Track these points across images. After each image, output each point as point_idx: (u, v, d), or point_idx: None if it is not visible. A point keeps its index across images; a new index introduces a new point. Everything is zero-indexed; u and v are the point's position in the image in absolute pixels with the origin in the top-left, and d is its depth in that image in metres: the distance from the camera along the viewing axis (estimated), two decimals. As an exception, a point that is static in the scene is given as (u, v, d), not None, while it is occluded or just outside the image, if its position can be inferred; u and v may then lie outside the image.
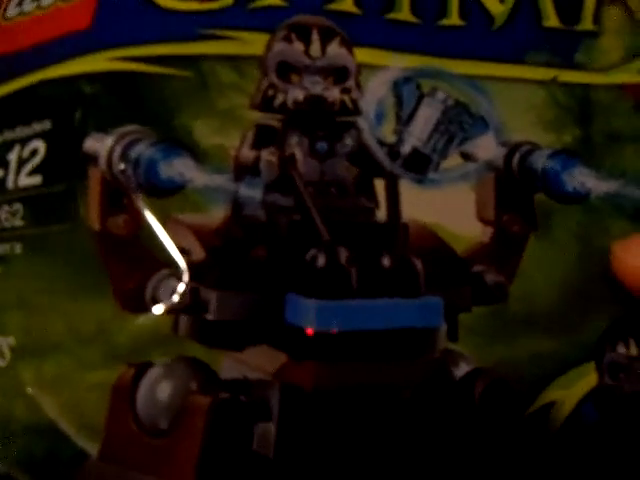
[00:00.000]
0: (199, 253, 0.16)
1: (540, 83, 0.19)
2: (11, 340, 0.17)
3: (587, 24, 0.19)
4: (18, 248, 0.18)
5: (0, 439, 0.17)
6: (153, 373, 0.16)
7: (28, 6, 0.19)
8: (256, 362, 0.16)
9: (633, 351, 0.17)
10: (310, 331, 0.15)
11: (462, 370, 0.17)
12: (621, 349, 0.17)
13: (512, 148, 0.18)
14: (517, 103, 0.19)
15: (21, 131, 0.19)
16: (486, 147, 0.18)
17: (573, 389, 0.17)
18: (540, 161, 0.18)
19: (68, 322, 0.17)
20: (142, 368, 0.16)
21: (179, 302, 0.16)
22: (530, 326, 0.17)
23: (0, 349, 0.17)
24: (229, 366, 0.16)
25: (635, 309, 0.18)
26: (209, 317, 0.16)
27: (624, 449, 0.17)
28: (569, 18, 0.19)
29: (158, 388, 0.16)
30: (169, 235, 0.17)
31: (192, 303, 0.16)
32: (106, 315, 0.16)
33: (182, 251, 0.16)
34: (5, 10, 0.20)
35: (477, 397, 0.16)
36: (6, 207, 0.19)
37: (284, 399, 0.16)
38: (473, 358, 0.17)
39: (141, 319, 0.16)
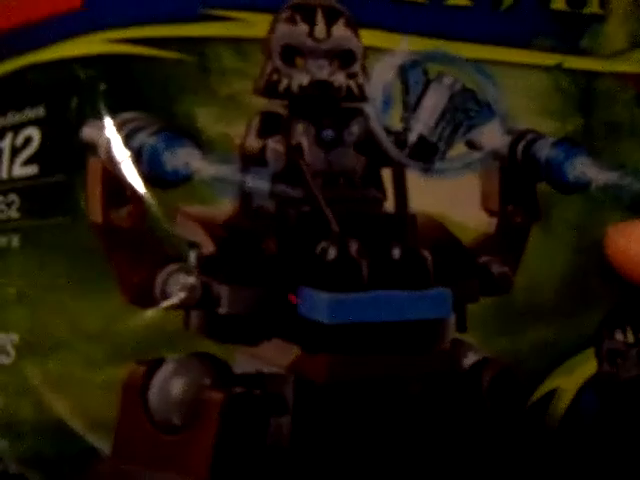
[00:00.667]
0: (209, 246, 0.16)
1: (545, 69, 0.19)
2: (14, 337, 0.17)
3: (594, 7, 0.19)
4: (15, 241, 0.18)
5: (8, 438, 0.17)
6: (165, 369, 0.16)
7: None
8: (269, 356, 0.16)
9: (630, 338, 0.17)
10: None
11: (470, 360, 0.17)
12: (619, 336, 0.17)
13: (517, 137, 0.18)
14: (522, 89, 0.19)
15: (13, 117, 0.18)
16: (491, 135, 0.18)
17: (574, 376, 0.17)
18: (544, 150, 0.18)
19: (72, 319, 0.16)
20: (154, 365, 0.16)
21: (190, 297, 0.16)
22: (532, 316, 0.17)
23: (4, 347, 0.17)
24: (242, 361, 0.16)
25: (631, 297, 0.18)
26: (221, 311, 0.16)
27: (623, 435, 0.17)
28: (576, 1, 0.19)
29: (171, 384, 0.16)
30: (178, 228, 0.16)
31: (203, 298, 0.16)
32: (112, 311, 0.16)
33: (191, 245, 0.16)
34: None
35: (484, 386, 0.17)
36: (1, 197, 0.18)
37: (298, 392, 0.16)
38: (479, 348, 0.17)
39: (150, 314, 0.16)
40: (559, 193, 0.18)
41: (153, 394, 0.16)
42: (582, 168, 0.18)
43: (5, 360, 0.17)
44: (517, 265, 0.18)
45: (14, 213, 0.18)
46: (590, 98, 0.19)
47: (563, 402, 0.17)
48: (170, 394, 0.16)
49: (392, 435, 0.16)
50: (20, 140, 0.18)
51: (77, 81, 0.17)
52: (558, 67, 0.19)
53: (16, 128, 0.18)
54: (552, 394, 0.17)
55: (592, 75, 0.19)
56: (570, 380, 0.17)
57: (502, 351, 0.17)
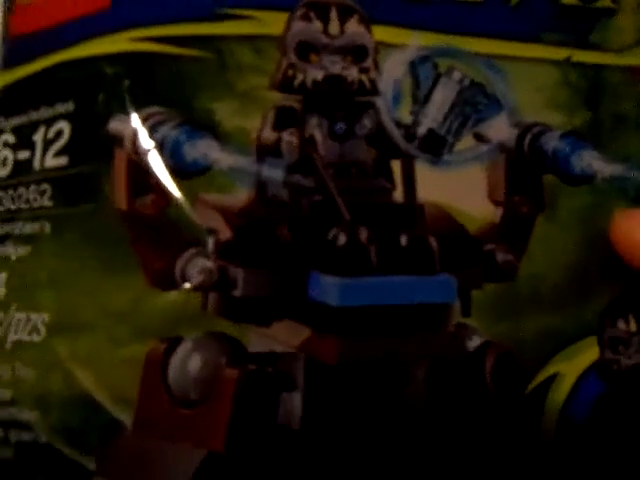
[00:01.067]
0: (226, 233, 0.17)
1: (554, 63, 0.19)
2: (45, 316, 0.18)
3: (605, 1, 0.19)
4: (47, 227, 0.19)
5: (40, 410, 0.18)
6: (184, 347, 0.17)
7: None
8: (282, 336, 0.17)
9: (633, 327, 0.18)
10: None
11: (475, 342, 0.18)
12: (621, 325, 0.18)
13: (524, 129, 0.19)
14: (531, 83, 0.19)
15: (45, 112, 0.19)
16: (499, 128, 0.19)
17: (575, 362, 0.18)
18: (551, 142, 0.19)
19: (99, 299, 0.17)
20: (173, 343, 0.17)
21: (207, 280, 0.17)
22: (535, 304, 0.18)
23: (35, 325, 0.18)
24: (256, 340, 0.17)
25: (634, 286, 0.18)
26: (236, 294, 0.17)
27: (625, 421, 0.18)
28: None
29: (189, 361, 0.17)
30: (197, 215, 0.17)
31: (220, 281, 0.17)
32: (136, 292, 0.17)
33: (210, 231, 0.17)
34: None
35: (487, 369, 0.17)
36: (34, 187, 0.19)
37: (309, 372, 0.17)
38: (482, 333, 0.18)
39: (171, 296, 0.17)
40: (565, 184, 0.19)
41: (172, 370, 0.17)
42: (588, 160, 0.19)
43: (36, 338, 0.18)
44: (522, 253, 0.18)
45: (46, 201, 0.19)
46: (598, 92, 0.20)
47: (564, 386, 0.18)
48: (188, 370, 0.17)
49: (398, 415, 0.17)
50: (52, 133, 0.19)
51: (104, 77, 0.18)
52: (567, 61, 0.19)
53: (48, 122, 0.19)
54: (552, 378, 0.18)
55: (601, 69, 0.19)
56: (571, 365, 0.18)
57: (504, 336, 0.18)
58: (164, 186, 0.17)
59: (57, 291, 0.18)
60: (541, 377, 0.18)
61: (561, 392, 0.18)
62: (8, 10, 0.21)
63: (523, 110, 0.19)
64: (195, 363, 0.17)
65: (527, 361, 0.18)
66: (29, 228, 0.19)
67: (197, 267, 0.17)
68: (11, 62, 0.20)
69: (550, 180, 0.19)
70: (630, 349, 0.18)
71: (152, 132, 0.18)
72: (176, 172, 0.17)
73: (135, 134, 0.18)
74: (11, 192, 0.20)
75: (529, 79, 0.19)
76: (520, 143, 0.19)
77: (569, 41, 0.19)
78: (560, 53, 0.19)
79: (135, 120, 0.18)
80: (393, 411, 0.17)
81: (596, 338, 0.18)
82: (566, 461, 0.18)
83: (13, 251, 0.19)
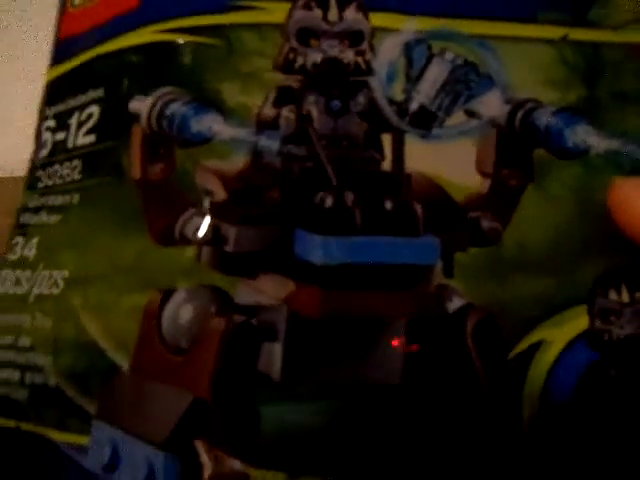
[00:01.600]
0: (221, 194, 0.18)
1: (550, 42, 0.20)
2: (65, 273, 0.20)
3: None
4: (76, 198, 0.21)
5: (52, 355, 0.20)
6: (177, 297, 0.18)
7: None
8: (268, 289, 0.18)
9: (625, 298, 0.17)
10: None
11: (455, 304, 0.18)
12: (613, 295, 0.17)
13: (516, 105, 0.19)
14: (525, 62, 0.20)
15: (80, 99, 0.22)
16: (491, 104, 0.20)
17: (563, 330, 0.18)
18: (544, 118, 0.19)
19: (110, 255, 0.19)
20: (168, 293, 0.18)
21: (202, 236, 0.18)
22: (521, 268, 0.18)
23: (55, 280, 0.20)
24: (243, 292, 0.18)
25: (628, 258, 0.18)
26: (228, 249, 0.18)
27: (615, 390, 0.17)
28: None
29: (181, 311, 0.18)
30: (197, 179, 0.19)
31: (213, 237, 0.18)
32: (142, 248, 0.19)
33: (206, 192, 0.19)
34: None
35: (468, 331, 0.18)
36: (67, 163, 0.22)
37: (290, 323, 0.17)
38: (465, 294, 0.18)
39: (171, 251, 0.18)
40: (557, 158, 0.19)
41: (166, 318, 0.18)
42: (582, 135, 0.19)
43: (55, 291, 0.20)
44: (508, 221, 0.18)
45: (77, 175, 0.21)
46: (595, 69, 0.20)
47: (551, 353, 0.17)
48: (180, 319, 0.18)
49: (375, 371, 0.17)
50: (84, 116, 0.22)
51: (128, 65, 0.21)
52: (563, 39, 0.20)
53: (82, 107, 0.22)
54: (538, 345, 0.18)
55: (598, 46, 0.20)
56: (559, 333, 0.18)
57: (488, 298, 0.18)
58: (171, 155, 0.19)
59: (77, 251, 0.20)
60: (526, 343, 0.18)
61: (547, 359, 0.17)
62: (58, 17, 0.24)
63: (517, 88, 0.20)
64: (186, 312, 0.18)
65: (511, 325, 0.18)
66: (60, 199, 0.21)
67: (194, 225, 0.18)
68: (58, 60, 0.24)
69: (542, 154, 0.19)
70: (622, 319, 0.17)
71: (163, 109, 0.20)
72: (182, 142, 0.19)
73: (149, 111, 0.20)
74: (49, 170, 0.22)
75: (524, 58, 0.20)
76: (512, 119, 0.19)
77: (566, 20, 0.20)
78: (556, 32, 0.20)
79: (150, 99, 0.20)
80: (370, 366, 0.17)
81: (585, 307, 0.18)
82: (550, 428, 0.17)
83: (46, 219, 0.22)
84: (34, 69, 0.26)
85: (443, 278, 0.18)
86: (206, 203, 0.19)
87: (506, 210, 0.19)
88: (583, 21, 0.20)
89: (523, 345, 0.18)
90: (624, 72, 0.20)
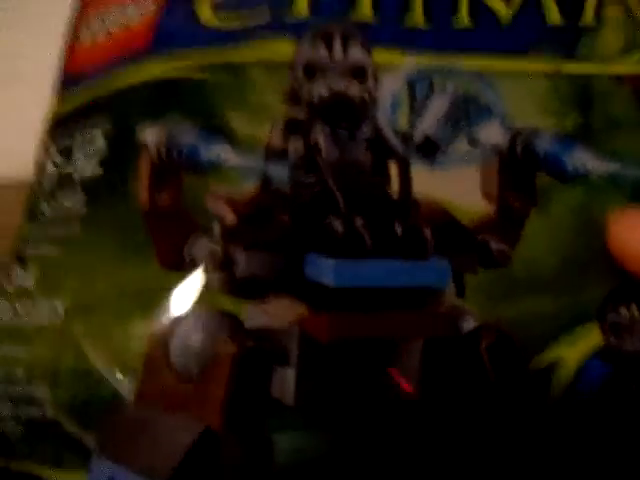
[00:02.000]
0: (231, 219, 0.18)
1: (544, 75, 0.21)
2: (66, 301, 0.20)
3: (588, 18, 0.21)
4: (79, 228, 0.21)
5: (50, 385, 0.19)
6: (186, 323, 0.18)
7: (111, 27, 0.23)
8: (278, 312, 0.18)
9: (635, 314, 0.18)
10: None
11: (469, 324, 0.18)
12: (623, 311, 0.18)
13: (516, 133, 0.20)
14: (522, 93, 0.20)
15: (87, 132, 0.22)
16: (491, 133, 0.20)
17: (577, 347, 0.18)
18: (543, 144, 0.20)
19: (115, 282, 0.19)
20: (177, 319, 0.18)
21: (213, 261, 0.18)
22: (532, 288, 0.18)
23: (56, 310, 0.20)
24: (254, 316, 0.18)
25: (633, 280, 0.18)
26: (238, 273, 0.18)
27: (630, 406, 0.17)
28: (571, 15, 0.21)
29: (190, 336, 0.18)
30: (207, 204, 0.19)
31: (224, 261, 0.18)
32: (148, 274, 0.19)
33: (217, 217, 0.19)
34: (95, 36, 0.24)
35: (483, 351, 0.17)
36: (71, 195, 0.22)
37: (302, 347, 0.17)
38: (478, 315, 0.18)
39: (179, 276, 0.18)
40: (559, 182, 0.20)
41: (175, 345, 0.18)
42: (581, 160, 0.20)
43: (55, 320, 0.19)
44: (515, 243, 0.19)
45: (80, 206, 0.21)
46: (588, 98, 0.21)
47: (567, 369, 0.17)
48: (190, 345, 0.18)
49: (391, 393, 0.17)
50: (91, 149, 0.22)
51: (138, 98, 0.21)
52: (557, 73, 0.21)
53: (90, 140, 0.22)
54: (555, 364, 0.18)
55: (589, 78, 0.21)
56: (573, 350, 0.18)
57: (500, 318, 0.18)
58: (180, 182, 0.19)
59: (78, 279, 0.20)
60: (542, 363, 0.18)
61: (564, 375, 0.17)
62: (67, 50, 0.25)
63: (515, 117, 0.20)
64: (196, 338, 0.18)
65: (524, 343, 0.18)
66: (63, 231, 0.21)
67: (203, 250, 0.18)
68: (63, 93, 0.24)
69: (544, 179, 0.20)
70: (634, 336, 0.17)
71: (172, 138, 0.20)
72: (192, 170, 0.19)
73: (158, 140, 0.20)
74: (52, 202, 0.22)
75: (520, 89, 0.21)
76: (512, 146, 0.20)
77: (557, 54, 0.21)
78: (549, 66, 0.21)
79: (158, 128, 0.20)
80: (385, 389, 0.17)
81: (597, 324, 0.18)
82: (571, 441, 0.17)
83: (47, 251, 0.21)
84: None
85: (455, 299, 0.18)
86: (216, 228, 0.19)
87: (513, 233, 0.19)
88: (573, 55, 0.21)
89: (539, 364, 0.18)
90: (614, 100, 0.21)
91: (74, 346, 0.19)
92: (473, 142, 0.20)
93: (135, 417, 0.18)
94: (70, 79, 0.24)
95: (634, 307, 0.18)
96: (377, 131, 0.20)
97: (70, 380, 0.19)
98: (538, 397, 0.17)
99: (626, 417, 0.17)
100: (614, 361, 0.17)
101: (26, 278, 0.21)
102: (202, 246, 0.18)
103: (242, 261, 0.18)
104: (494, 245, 0.19)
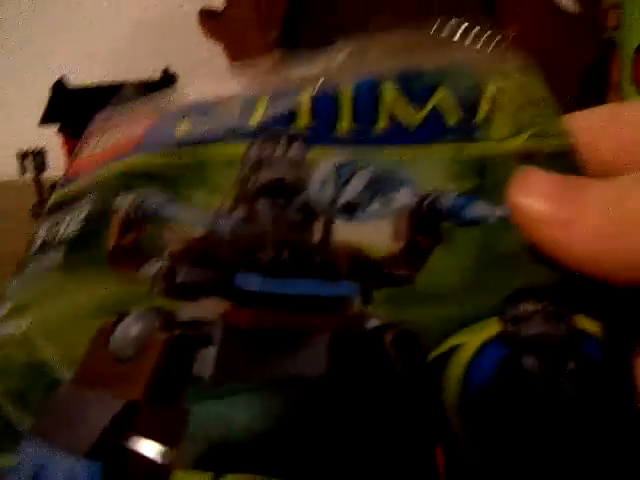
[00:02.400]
0: (179, 245, 0.22)
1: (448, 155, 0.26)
2: (29, 320, 0.22)
3: (482, 114, 0.27)
4: (56, 272, 0.25)
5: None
6: (129, 318, 0.21)
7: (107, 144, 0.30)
8: (208, 308, 0.20)
9: (532, 307, 0.20)
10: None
11: (373, 323, 0.20)
12: (522, 306, 0.20)
13: (424, 196, 0.25)
14: (429, 168, 0.26)
15: (73, 210, 0.27)
16: (403, 197, 0.25)
17: (478, 333, 0.20)
18: (447, 201, 0.24)
19: (74, 299, 0.22)
20: (121, 315, 0.21)
21: (159, 272, 0.21)
22: (433, 300, 0.21)
23: (20, 326, 0.22)
24: (185, 311, 0.20)
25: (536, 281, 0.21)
26: (178, 280, 0.21)
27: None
28: (468, 115, 0.27)
29: (130, 327, 0.20)
30: (163, 235, 0.23)
31: (167, 273, 0.21)
32: (104, 293, 0.22)
33: (168, 243, 0.22)
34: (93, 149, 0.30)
35: (387, 341, 0.20)
36: (53, 252, 0.26)
37: (225, 330, 0.20)
38: (384, 317, 0.20)
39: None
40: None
41: (116, 334, 0.20)
42: (479, 210, 0.24)
43: (16, 331, 0.22)
44: (420, 268, 0.22)
45: (59, 256, 0.25)
46: (484, 166, 0.26)
47: (467, 352, 0.19)
48: (128, 333, 0.20)
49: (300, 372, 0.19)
50: (74, 221, 0.26)
51: (118, 182, 0.27)
52: (458, 154, 0.26)
53: (74, 215, 0.27)
54: (455, 348, 0.19)
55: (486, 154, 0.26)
56: (474, 336, 0.20)
57: (405, 320, 0.20)
58: (143, 230, 0.24)
59: (44, 302, 0.23)
60: (442, 348, 0.19)
61: (464, 356, 0.19)
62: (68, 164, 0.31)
63: (423, 184, 0.25)
64: (134, 328, 0.20)
65: (426, 339, 0.20)
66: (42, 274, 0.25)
67: (155, 267, 0.22)
68: (58, 190, 0.29)
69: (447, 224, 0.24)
70: (531, 322, 0.19)
71: (142, 198, 0.25)
72: (154, 221, 0.24)
73: (130, 202, 0.25)
74: (34, 263, 0.26)
75: (428, 166, 0.26)
76: (420, 205, 0.25)
77: (459, 140, 0.27)
78: (452, 149, 0.26)
79: (131, 196, 0.25)
80: (298, 361, 0.19)
81: (498, 317, 0.20)
82: (471, 422, 0.18)
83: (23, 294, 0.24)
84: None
85: (363, 307, 0.21)
86: (166, 252, 0.22)
87: (418, 262, 0.22)
88: (472, 139, 0.27)
89: (440, 350, 0.19)
90: (504, 167, 0.26)
91: (27, 344, 0.21)
92: (387, 203, 0.25)
93: (67, 397, 0.19)
94: (66, 180, 0.30)
95: (532, 302, 0.20)
96: (308, 201, 0.25)
97: (18, 372, 0.20)
98: (436, 379, 0.19)
99: (523, 396, 0.18)
100: (512, 342, 0.19)
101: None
102: (153, 264, 0.22)
103: (182, 272, 0.21)
104: (398, 272, 0.22)
